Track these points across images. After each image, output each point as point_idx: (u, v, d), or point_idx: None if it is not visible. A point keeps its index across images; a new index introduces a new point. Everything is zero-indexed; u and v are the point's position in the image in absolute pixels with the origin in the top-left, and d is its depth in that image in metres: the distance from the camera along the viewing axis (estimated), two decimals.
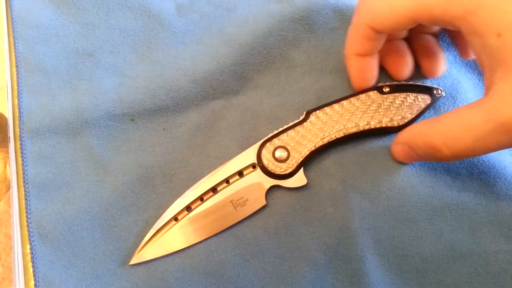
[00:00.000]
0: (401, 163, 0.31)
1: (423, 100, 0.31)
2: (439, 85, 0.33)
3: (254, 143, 0.32)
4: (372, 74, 0.31)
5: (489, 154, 0.32)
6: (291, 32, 0.35)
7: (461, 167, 0.32)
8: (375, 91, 0.31)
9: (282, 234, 0.31)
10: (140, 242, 0.30)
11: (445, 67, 0.33)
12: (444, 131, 0.25)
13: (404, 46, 0.32)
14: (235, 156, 0.32)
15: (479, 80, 0.34)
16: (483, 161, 0.31)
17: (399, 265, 0.30)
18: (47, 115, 0.32)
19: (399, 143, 0.30)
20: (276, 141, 0.31)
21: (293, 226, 0.31)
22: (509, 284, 0.30)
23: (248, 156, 0.31)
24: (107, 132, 0.32)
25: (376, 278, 0.30)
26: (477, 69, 0.35)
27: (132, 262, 0.30)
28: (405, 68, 0.32)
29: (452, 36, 0.33)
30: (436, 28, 0.33)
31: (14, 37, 0.34)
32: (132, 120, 0.33)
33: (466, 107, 0.25)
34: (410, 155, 0.29)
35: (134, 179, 0.31)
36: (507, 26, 0.22)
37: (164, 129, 0.33)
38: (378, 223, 0.31)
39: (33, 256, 0.29)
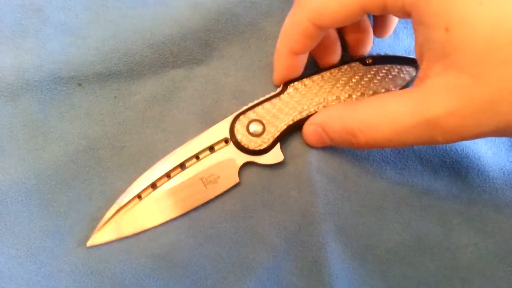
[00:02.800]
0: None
1: (408, 72, 0.29)
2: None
3: (216, 118, 0.29)
4: (299, 72, 0.29)
5: (463, 142, 0.30)
6: (263, 0, 0.32)
7: (433, 155, 0.30)
8: (358, 62, 0.29)
9: (240, 217, 0.29)
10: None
11: (371, 43, 0.30)
12: (364, 117, 0.24)
13: (333, 33, 0.29)
14: (194, 131, 0.29)
15: None
16: (456, 149, 0.30)
17: (362, 254, 0.29)
18: None
19: (313, 124, 0.28)
20: (251, 114, 0.28)
21: (252, 209, 0.29)
22: (475, 278, 0.28)
23: (220, 130, 0.29)
24: (50, 97, 0.29)
25: (338, 267, 0.28)
26: None
27: (90, 243, 0.27)
28: (333, 56, 0.29)
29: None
30: None
31: None
32: (80, 84, 0.29)
33: (391, 94, 0.23)
34: (322, 139, 0.27)
35: (78, 150, 0.28)
36: (457, 21, 0.20)
37: (115, 97, 0.30)
38: (343, 209, 0.29)
39: None
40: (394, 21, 0.30)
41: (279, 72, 0.29)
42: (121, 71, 0.30)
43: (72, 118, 0.29)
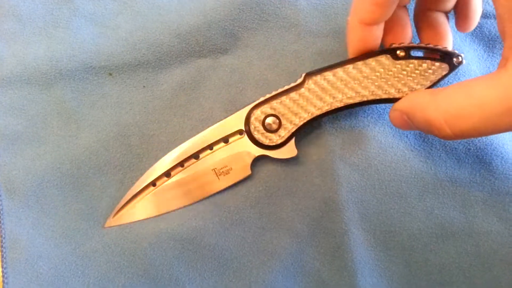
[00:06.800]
0: (393, 139, 0.30)
1: (440, 69, 0.27)
2: None
3: (241, 107, 0.30)
4: (375, 45, 0.27)
5: None
6: None
7: (458, 142, 0.30)
8: (388, 55, 0.27)
9: (264, 204, 0.29)
10: (113, 203, 0.29)
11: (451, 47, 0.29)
12: (448, 107, 0.22)
13: (405, 15, 0.29)
14: (219, 119, 0.30)
15: (484, 52, 0.32)
16: (481, 137, 0.30)
17: (385, 241, 0.29)
18: (20, 63, 0.30)
19: (397, 110, 0.26)
20: (268, 109, 0.28)
21: (276, 196, 0.30)
22: (497, 265, 0.29)
23: (235, 121, 0.29)
24: (83, 86, 0.30)
25: (360, 253, 0.29)
26: (483, 39, 0.32)
27: (107, 225, 0.29)
28: (404, 34, 0.28)
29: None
30: (448, 5, 0.28)
31: None
32: (110, 74, 0.30)
33: (476, 81, 0.22)
34: (408, 124, 0.26)
35: (109, 137, 0.30)
36: None
37: (144, 86, 0.31)
38: (366, 196, 0.29)
39: (0, 212, 0.28)
40: (477, 10, 0.27)
41: (352, 47, 0.27)
42: (149, 61, 0.30)
43: (104, 106, 0.30)
